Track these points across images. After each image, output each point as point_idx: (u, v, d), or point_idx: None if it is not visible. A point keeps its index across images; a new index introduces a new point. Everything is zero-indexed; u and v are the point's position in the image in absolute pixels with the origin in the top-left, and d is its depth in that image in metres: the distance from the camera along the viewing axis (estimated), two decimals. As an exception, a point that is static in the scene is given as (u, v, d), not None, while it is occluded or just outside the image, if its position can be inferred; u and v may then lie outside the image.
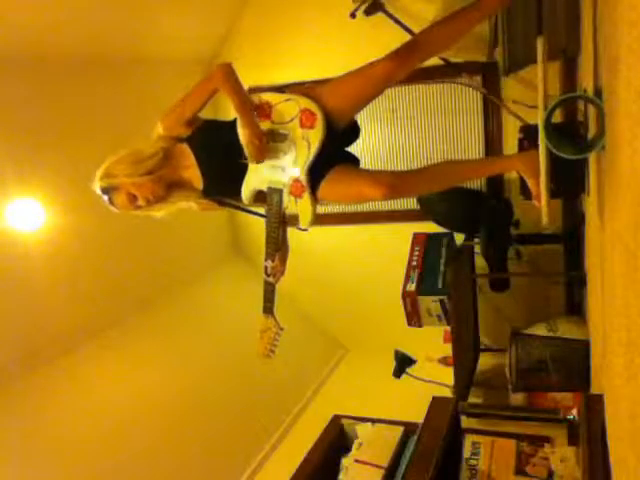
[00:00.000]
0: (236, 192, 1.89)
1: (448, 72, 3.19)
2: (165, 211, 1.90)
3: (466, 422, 2.47)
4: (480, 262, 3.24)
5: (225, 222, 4.08)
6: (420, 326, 2.98)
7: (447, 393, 2.89)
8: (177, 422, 2.78)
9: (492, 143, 3.37)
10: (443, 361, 3.37)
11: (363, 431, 2.34)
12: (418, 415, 2.20)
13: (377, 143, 3.66)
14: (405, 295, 2.90)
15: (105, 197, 1.80)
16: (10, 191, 2.44)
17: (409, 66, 1.77)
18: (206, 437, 2.84)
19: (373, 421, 2.38)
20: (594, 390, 2.21)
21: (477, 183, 3.40)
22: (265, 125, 1.80)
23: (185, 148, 1.86)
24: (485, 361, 3.43)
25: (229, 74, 1.75)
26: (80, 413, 2.54)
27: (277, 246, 1.89)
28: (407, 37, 2.11)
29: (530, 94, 2.99)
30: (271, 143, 1.80)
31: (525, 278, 3.39)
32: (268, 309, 1.93)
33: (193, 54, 3.64)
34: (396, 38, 1.84)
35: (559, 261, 3.21)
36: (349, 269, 3.92)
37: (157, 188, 1.81)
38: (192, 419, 2.85)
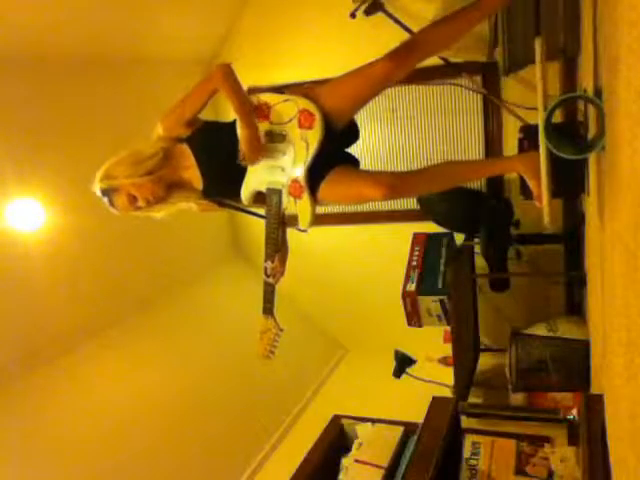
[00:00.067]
0: (236, 193, 1.89)
1: (448, 72, 3.19)
2: (165, 212, 1.90)
3: (466, 422, 2.47)
4: (480, 262, 3.24)
5: (225, 222, 4.08)
6: (420, 326, 2.98)
7: (447, 393, 2.89)
8: (177, 422, 2.78)
9: (492, 143, 3.37)
10: (443, 361, 3.37)
11: (363, 431, 2.34)
12: (418, 415, 2.20)
13: (377, 143, 3.66)
14: (405, 295, 2.90)
15: (105, 199, 1.80)
16: (10, 191, 2.44)
17: (408, 66, 1.77)
18: (206, 437, 2.84)
19: (373, 421, 2.38)
20: (594, 390, 2.21)
21: (477, 183, 3.40)
22: (264, 126, 1.80)
23: (185, 149, 1.86)
24: (485, 361, 3.43)
25: (228, 74, 1.75)
26: (80, 413, 2.54)
27: (277, 247, 1.89)
28: (407, 37, 2.11)
29: (530, 94, 2.99)
30: (270, 144, 1.80)
31: (525, 278, 3.39)
32: (268, 310, 1.93)
33: (193, 54, 3.64)
34: (396, 38, 1.84)
35: (559, 261, 3.21)
36: (349, 269, 3.92)
37: (157, 189, 1.81)
38: (192, 419, 2.85)
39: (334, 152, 1.85)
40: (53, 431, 2.42)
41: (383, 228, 3.75)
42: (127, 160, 1.78)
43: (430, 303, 2.87)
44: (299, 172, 1.78)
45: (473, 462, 2.16)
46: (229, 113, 1.80)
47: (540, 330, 2.84)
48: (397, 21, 2.90)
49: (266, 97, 1.81)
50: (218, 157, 1.85)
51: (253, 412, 3.10)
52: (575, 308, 3.21)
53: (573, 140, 1.86)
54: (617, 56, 1.11)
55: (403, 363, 3.08)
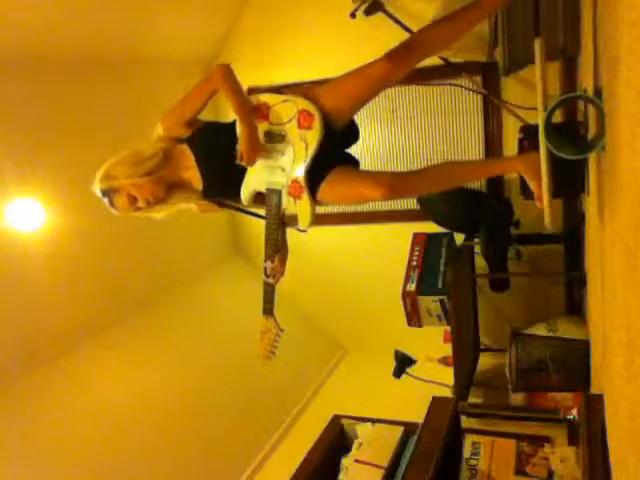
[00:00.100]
0: (236, 193, 1.89)
1: (448, 72, 3.19)
2: (165, 212, 1.90)
3: (466, 422, 2.47)
4: (480, 262, 3.24)
5: (225, 222, 4.08)
6: (420, 326, 2.98)
7: (447, 393, 2.89)
8: (177, 422, 2.78)
9: (492, 143, 3.37)
10: (443, 361, 3.37)
11: (363, 431, 2.34)
12: (418, 415, 2.20)
13: (377, 143, 3.66)
14: (405, 295, 2.90)
15: (105, 199, 1.80)
16: (10, 191, 2.44)
17: (408, 66, 1.77)
18: (206, 437, 2.84)
19: (373, 421, 2.38)
20: (594, 390, 2.21)
21: (477, 183, 3.40)
22: (263, 126, 1.80)
23: (185, 149, 1.86)
24: (485, 361, 3.43)
25: (228, 75, 1.75)
26: (80, 413, 2.54)
27: (276, 247, 1.89)
28: (406, 36, 2.10)
29: (530, 94, 2.99)
30: (269, 144, 1.80)
31: (525, 278, 3.39)
32: (268, 310, 1.93)
33: (193, 54, 3.64)
34: (396, 38, 1.83)
35: (559, 261, 3.21)
36: (349, 269, 3.92)
37: (157, 189, 1.81)
38: (192, 419, 2.85)
39: (334, 152, 1.85)
40: (53, 431, 2.41)
41: (383, 228, 3.75)
42: (127, 160, 1.78)
43: (430, 303, 2.87)
44: (299, 172, 1.78)
45: (473, 462, 2.16)
46: (229, 114, 1.80)
47: (540, 330, 2.84)
48: (397, 21, 2.90)
49: (265, 97, 1.81)
50: (218, 158, 1.85)
51: (253, 412, 3.10)
52: (575, 308, 3.21)
53: (573, 140, 1.86)
54: (617, 56, 1.11)
55: (403, 363, 3.08)
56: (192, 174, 1.88)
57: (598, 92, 1.60)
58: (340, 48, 3.41)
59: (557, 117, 1.89)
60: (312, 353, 3.89)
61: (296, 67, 3.60)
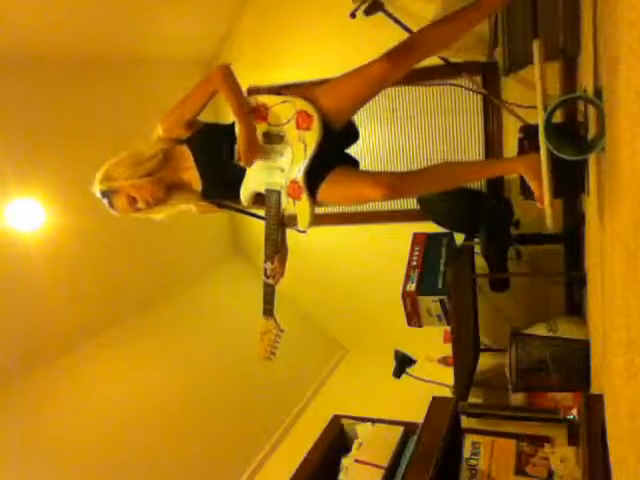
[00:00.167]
0: (235, 194, 1.89)
1: (448, 72, 3.19)
2: (165, 213, 1.90)
3: (466, 422, 2.47)
4: (480, 262, 3.24)
5: (225, 222, 4.08)
6: (420, 326, 2.98)
7: (447, 393, 2.89)
8: (177, 422, 2.78)
9: (492, 143, 3.37)
10: (443, 361, 3.37)
11: (363, 431, 2.34)
12: (418, 415, 2.20)
13: (377, 143, 3.66)
14: (405, 295, 2.90)
15: (105, 200, 1.80)
16: (10, 191, 2.44)
17: (406, 66, 1.77)
18: (206, 437, 2.84)
19: (373, 421, 2.38)
20: (594, 390, 2.21)
21: (477, 183, 3.40)
22: (262, 127, 1.80)
23: (185, 150, 1.86)
24: (485, 361, 3.43)
25: (228, 76, 1.75)
26: (80, 413, 2.54)
27: (276, 248, 1.89)
28: (406, 36, 2.10)
29: (530, 94, 2.98)
30: (268, 145, 1.80)
31: (525, 278, 3.39)
32: (268, 311, 1.93)
33: (193, 54, 3.64)
34: (396, 38, 1.83)
35: (559, 261, 3.21)
36: (349, 269, 3.92)
37: (156, 190, 1.81)
38: (192, 419, 2.85)
39: (333, 153, 1.85)
40: (53, 431, 2.41)
41: (383, 228, 3.75)
42: (127, 161, 1.78)
43: (430, 303, 2.87)
44: (298, 173, 1.78)
45: (473, 462, 2.16)
46: (229, 115, 1.80)
47: (540, 330, 2.84)
48: (397, 21, 2.90)
49: (264, 98, 1.81)
50: (217, 159, 1.85)
51: (253, 412, 3.10)
52: (575, 308, 3.21)
53: (573, 140, 1.87)
54: (617, 56, 1.11)
55: (403, 363, 3.08)
56: (192, 175, 1.88)
57: (598, 92, 1.60)
58: (340, 48, 3.41)
59: (557, 117, 1.89)
60: (312, 353, 3.90)
61: (296, 67, 3.60)
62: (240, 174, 1.86)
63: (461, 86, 3.29)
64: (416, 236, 3.24)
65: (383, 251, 3.73)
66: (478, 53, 3.15)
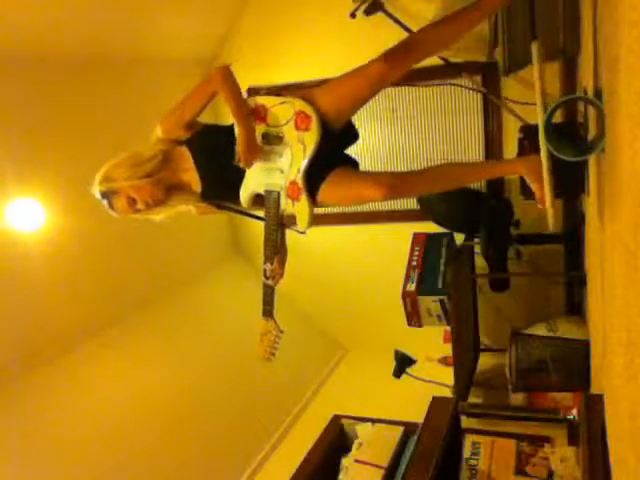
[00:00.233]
0: (235, 195, 1.89)
1: (448, 72, 3.19)
2: (164, 214, 1.90)
3: (466, 422, 2.47)
4: (480, 262, 3.24)
5: (225, 222, 4.08)
6: (420, 326, 2.98)
7: (447, 393, 2.89)
8: (177, 422, 2.78)
9: (492, 143, 3.37)
10: (443, 361, 3.37)
11: (363, 431, 2.34)
12: (418, 415, 2.20)
13: (377, 143, 3.66)
14: (405, 295, 2.90)
15: (105, 202, 1.80)
16: (10, 191, 2.44)
17: (405, 66, 1.76)
18: (206, 437, 2.84)
19: (373, 421, 2.38)
20: (594, 390, 2.21)
21: (477, 183, 3.40)
22: (261, 128, 1.80)
23: (184, 151, 1.86)
24: (485, 361, 3.43)
25: (227, 77, 1.75)
26: (80, 413, 2.54)
27: (275, 249, 1.89)
28: (405, 36, 2.10)
29: (530, 94, 2.98)
30: (267, 146, 1.80)
31: (525, 278, 3.39)
32: (268, 312, 1.93)
33: (193, 54, 3.64)
34: (396, 38, 1.83)
35: (559, 261, 3.21)
36: (349, 269, 3.92)
37: (156, 191, 1.81)
38: (192, 419, 2.85)
39: (333, 154, 1.85)
40: (53, 431, 2.41)
41: (383, 228, 3.75)
42: (126, 162, 1.78)
43: (430, 303, 2.87)
44: (297, 174, 1.78)
45: (473, 462, 2.16)
46: (229, 116, 1.80)
47: (540, 330, 2.84)
48: (397, 21, 2.90)
49: (263, 100, 1.81)
50: (217, 160, 1.85)
51: (253, 412, 3.10)
52: (575, 308, 3.21)
53: (573, 141, 1.87)
54: (617, 56, 1.11)
55: (403, 363, 3.08)
56: (191, 176, 1.88)
57: (598, 93, 1.60)
58: (340, 48, 3.41)
59: (557, 117, 1.89)
60: (312, 353, 3.90)
61: (296, 67, 3.60)
62: (240, 175, 1.86)
63: (461, 85, 3.29)
64: (416, 236, 3.24)
65: (383, 251, 3.73)
66: (478, 53, 3.15)
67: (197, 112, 1.82)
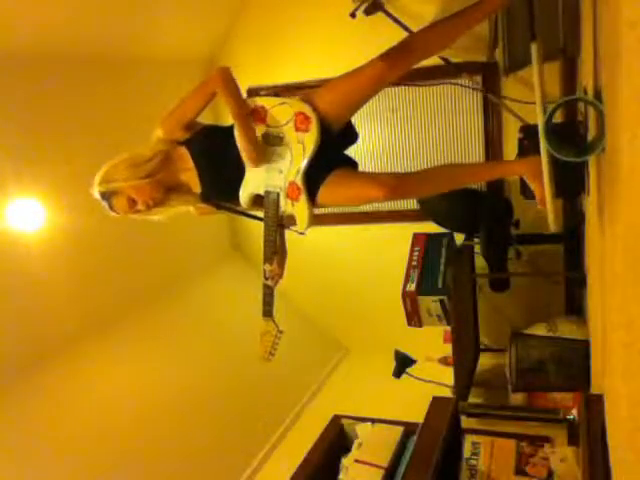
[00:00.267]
0: (234, 196, 1.89)
1: (448, 72, 3.19)
2: (164, 215, 1.91)
3: (466, 422, 2.47)
4: (480, 262, 3.24)
5: (225, 222, 4.08)
6: (420, 326, 2.98)
7: (447, 393, 2.89)
8: (177, 422, 2.78)
9: (492, 143, 3.37)
10: (443, 361, 3.37)
11: (363, 431, 2.34)
12: (418, 415, 2.20)
13: (377, 143, 3.66)
14: (405, 295, 2.90)
15: (104, 202, 1.80)
16: (10, 191, 2.44)
17: (404, 66, 1.77)
18: (206, 437, 2.84)
19: (373, 421, 2.38)
20: (594, 390, 2.21)
21: (477, 183, 3.40)
22: (260, 129, 1.80)
23: (184, 152, 1.86)
24: (485, 361, 3.43)
25: (227, 78, 1.76)
26: (80, 413, 2.54)
27: (275, 249, 1.89)
28: (404, 37, 2.10)
29: (530, 94, 2.98)
30: (267, 147, 1.80)
31: (525, 278, 3.39)
32: (267, 312, 1.93)
33: (193, 54, 3.64)
34: (396, 38, 1.83)
35: (559, 261, 3.21)
36: (349, 269, 3.92)
37: (156, 192, 1.81)
38: (192, 419, 2.85)
39: (332, 154, 1.85)
40: (53, 431, 2.42)
41: (383, 228, 3.75)
42: (126, 163, 1.78)
43: (430, 303, 2.87)
44: (296, 175, 1.78)
45: (473, 462, 2.16)
46: (229, 117, 1.80)
47: (540, 330, 2.84)
48: (397, 21, 2.90)
49: (262, 100, 1.82)
50: (216, 161, 1.85)
51: (253, 412, 3.10)
52: (575, 308, 3.21)
53: (573, 141, 1.87)
54: (617, 56, 1.11)
55: (403, 363, 3.08)
56: (190, 177, 1.88)
57: (598, 93, 1.60)
58: (340, 48, 3.41)
59: (557, 117, 1.89)
60: (312, 353, 3.90)
61: (296, 67, 3.60)
62: (239, 176, 1.86)
63: (461, 85, 3.29)
64: (416, 236, 3.24)
65: (383, 251, 3.73)
66: (478, 53, 3.15)
67: (197, 113, 1.82)
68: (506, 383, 2.79)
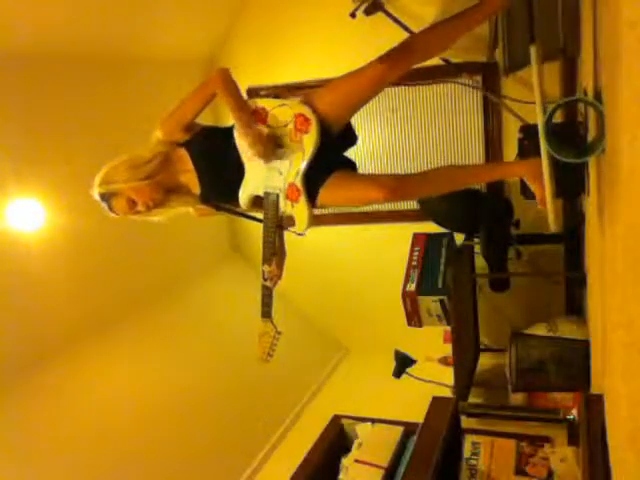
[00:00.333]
0: (234, 197, 1.89)
1: (449, 72, 3.19)
2: (163, 216, 1.91)
3: (466, 422, 2.47)
4: (480, 262, 3.24)
5: (224, 223, 4.08)
6: (420, 326, 2.98)
7: (447, 393, 2.89)
8: (177, 422, 2.78)
9: (492, 143, 3.37)
10: (443, 361, 3.37)
11: (363, 431, 2.34)
12: (418, 415, 2.20)
13: (377, 143, 3.66)
14: (405, 295, 2.90)
15: (104, 204, 1.80)
16: (10, 191, 2.44)
17: (404, 68, 1.77)
18: (206, 437, 2.84)
19: (373, 421, 2.38)
20: (594, 390, 2.21)
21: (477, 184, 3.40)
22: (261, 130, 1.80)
23: (184, 153, 1.86)
24: (485, 361, 3.43)
25: (227, 79, 1.76)
26: (80, 413, 2.54)
27: (274, 250, 1.89)
28: (404, 38, 2.09)
29: (530, 94, 2.98)
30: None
31: (525, 278, 3.39)
32: (266, 313, 1.93)
33: (193, 54, 3.64)
34: (396, 37, 1.83)
35: (559, 261, 3.21)
36: (349, 269, 3.92)
37: (155, 193, 1.82)
38: (192, 419, 2.85)
39: (332, 156, 1.86)
40: (53, 431, 2.42)
41: (383, 228, 3.75)
42: (126, 164, 1.79)
43: (430, 303, 2.87)
44: (296, 176, 1.78)
45: (473, 462, 2.16)
46: (229, 118, 1.80)
47: (540, 330, 2.84)
48: (397, 21, 2.90)
49: (262, 102, 1.82)
50: (216, 162, 1.86)
51: (253, 412, 3.10)
52: (575, 308, 3.21)
53: (573, 142, 1.87)
54: (617, 56, 1.11)
55: (403, 363, 3.08)
56: (190, 178, 1.89)
57: (598, 93, 1.60)
58: (340, 48, 3.41)
59: (557, 117, 1.89)
60: (312, 353, 3.90)
61: (296, 67, 3.60)
62: (239, 177, 1.86)
63: (461, 83, 3.29)
64: (416, 236, 3.24)
65: (383, 251, 3.73)
66: (478, 53, 3.15)
67: (196, 114, 1.82)
68: (506, 383, 2.79)
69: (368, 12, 2.97)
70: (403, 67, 1.76)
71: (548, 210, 1.75)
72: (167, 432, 2.73)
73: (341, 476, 2.18)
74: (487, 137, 3.38)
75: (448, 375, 2.98)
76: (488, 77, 3.24)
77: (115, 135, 2.80)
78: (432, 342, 3.31)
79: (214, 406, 2.99)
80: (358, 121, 1.98)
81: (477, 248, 3.19)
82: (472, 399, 3.02)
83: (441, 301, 2.84)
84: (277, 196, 1.82)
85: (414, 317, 2.94)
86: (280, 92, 3.58)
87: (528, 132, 2.12)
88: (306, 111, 1.76)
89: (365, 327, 3.96)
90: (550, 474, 2.06)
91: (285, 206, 1.82)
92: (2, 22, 2.29)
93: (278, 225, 1.88)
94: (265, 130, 1.79)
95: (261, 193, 1.85)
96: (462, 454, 2.20)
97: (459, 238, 3.27)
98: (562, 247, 3.15)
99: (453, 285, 2.81)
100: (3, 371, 2.38)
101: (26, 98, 2.54)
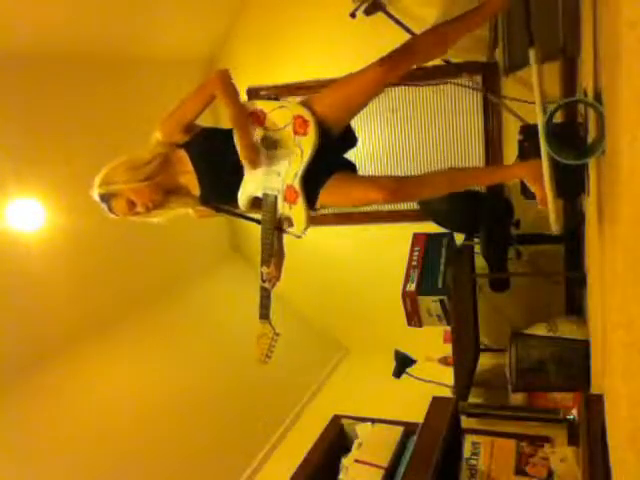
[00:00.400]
0: (233, 199, 1.89)
1: (449, 72, 3.20)
2: (163, 217, 1.91)
3: (466, 422, 2.47)
4: (480, 262, 3.24)
5: (224, 223, 4.08)
6: (420, 326, 2.98)
7: (447, 393, 2.89)
8: (177, 422, 2.78)
9: (492, 144, 3.37)
10: (443, 361, 3.37)
11: (363, 431, 2.34)
12: (418, 415, 2.20)
13: (377, 143, 3.66)
14: (405, 295, 2.90)
15: (104, 204, 1.80)
16: (10, 191, 2.44)
17: (403, 69, 1.77)
18: (206, 437, 2.84)
19: (373, 421, 2.38)
20: (594, 390, 2.21)
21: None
22: (259, 132, 1.80)
23: (183, 154, 1.86)
24: (485, 361, 3.43)
25: (226, 80, 1.76)
26: (80, 413, 2.54)
27: (272, 252, 1.89)
28: (407, 37, 2.10)
29: (530, 94, 2.98)
30: (265, 149, 1.80)
31: (525, 278, 3.39)
32: (264, 315, 1.93)
33: (193, 54, 3.64)
34: (396, 37, 1.84)
35: (559, 261, 3.21)
36: (349, 269, 3.92)
37: (155, 194, 1.82)
38: (192, 419, 2.85)
39: (332, 158, 1.86)
40: (53, 431, 2.42)
41: (383, 228, 3.75)
42: (125, 165, 1.79)
43: (430, 303, 2.87)
44: (294, 178, 1.78)
45: (473, 462, 2.16)
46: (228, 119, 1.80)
47: (540, 330, 2.84)
48: (397, 21, 2.90)
49: (261, 104, 1.82)
50: (215, 163, 1.85)
51: (253, 412, 3.10)
52: (575, 308, 3.21)
53: (574, 143, 1.87)
54: (617, 56, 1.11)
55: (403, 363, 3.08)
56: (189, 179, 1.88)
57: (598, 94, 1.60)
58: (340, 48, 3.41)
59: (557, 117, 1.89)
60: (312, 353, 3.90)
61: (296, 67, 3.60)
62: (238, 178, 1.86)
63: (461, 84, 3.29)
64: (416, 236, 3.24)
65: (383, 251, 3.73)
66: (478, 53, 3.15)
67: (196, 115, 1.82)
68: (506, 383, 2.80)
69: (368, 12, 2.97)
70: (404, 68, 1.76)
71: (549, 210, 1.75)
72: (167, 432, 2.73)
73: (341, 476, 2.19)
74: (487, 137, 3.38)
75: (448, 375, 2.98)
76: (488, 77, 3.24)
77: (115, 135, 2.80)
78: (432, 342, 3.31)
79: (214, 406, 2.99)
80: (358, 122, 1.97)
81: (477, 248, 3.19)
82: (472, 399, 3.02)
83: (441, 301, 2.84)
84: (275, 197, 1.82)
85: (414, 317, 2.94)
86: (280, 92, 3.58)
87: (528, 133, 2.12)
88: (305, 113, 1.76)
89: (365, 327, 3.96)
90: (550, 474, 2.06)
91: (283, 208, 1.82)
92: (2, 22, 2.29)
93: (276, 227, 1.88)
94: (261, 133, 1.79)
95: (260, 194, 1.85)
96: (462, 454, 2.20)
97: (459, 238, 3.27)
98: (562, 247, 3.15)
99: (453, 285, 2.81)
100: (3, 371, 2.38)
101: (26, 98, 2.54)
